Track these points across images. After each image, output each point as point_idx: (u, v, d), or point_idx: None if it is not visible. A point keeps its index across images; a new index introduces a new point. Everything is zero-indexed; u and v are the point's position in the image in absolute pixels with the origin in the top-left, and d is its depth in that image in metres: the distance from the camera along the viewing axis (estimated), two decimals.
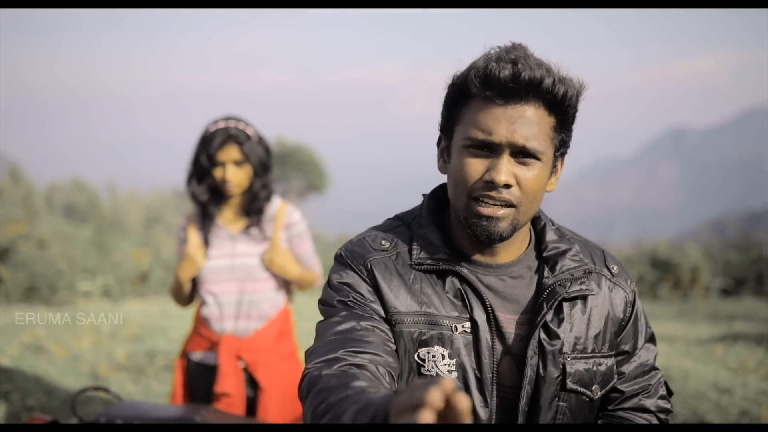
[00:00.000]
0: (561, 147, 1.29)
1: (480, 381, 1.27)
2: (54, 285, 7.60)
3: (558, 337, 1.30)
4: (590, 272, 1.36)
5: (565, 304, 1.32)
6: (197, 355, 2.78)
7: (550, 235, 1.38)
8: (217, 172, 2.69)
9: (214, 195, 2.76)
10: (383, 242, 1.35)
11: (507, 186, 1.22)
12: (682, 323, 7.26)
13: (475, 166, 1.23)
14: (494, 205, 1.23)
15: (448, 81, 1.28)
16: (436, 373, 1.26)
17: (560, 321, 1.31)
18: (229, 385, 2.67)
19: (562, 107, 1.23)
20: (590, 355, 1.33)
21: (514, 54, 1.21)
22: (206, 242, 2.75)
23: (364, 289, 1.30)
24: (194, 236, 2.76)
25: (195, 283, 2.80)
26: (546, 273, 1.33)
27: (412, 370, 1.28)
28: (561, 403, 1.31)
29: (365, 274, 1.31)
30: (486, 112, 1.22)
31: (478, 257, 1.33)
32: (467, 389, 1.27)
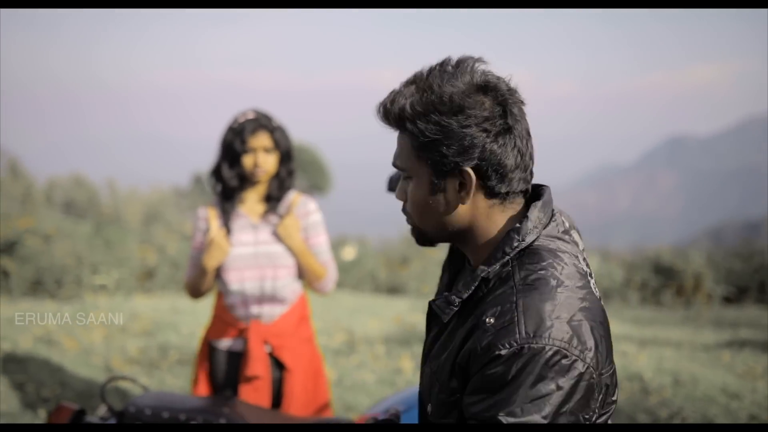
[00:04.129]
0: (438, 165, 1.31)
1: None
2: (60, 279, 7.62)
3: (430, 331, 1.43)
4: (452, 303, 1.32)
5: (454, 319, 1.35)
6: (224, 343, 2.88)
7: (491, 258, 1.31)
8: (248, 159, 2.82)
9: (240, 182, 2.87)
10: None
11: (403, 201, 1.42)
12: (688, 329, 7.30)
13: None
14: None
15: None
16: None
17: (438, 328, 1.39)
18: (259, 369, 2.79)
19: (404, 126, 1.32)
20: (433, 373, 1.36)
21: (398, 86, 1.34)
22: (228, 230, 2.82)
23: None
24: (216, 224, 2.83)
25: (217, 271, 2.86)
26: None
27: None
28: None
29: None
30: None
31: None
32: None
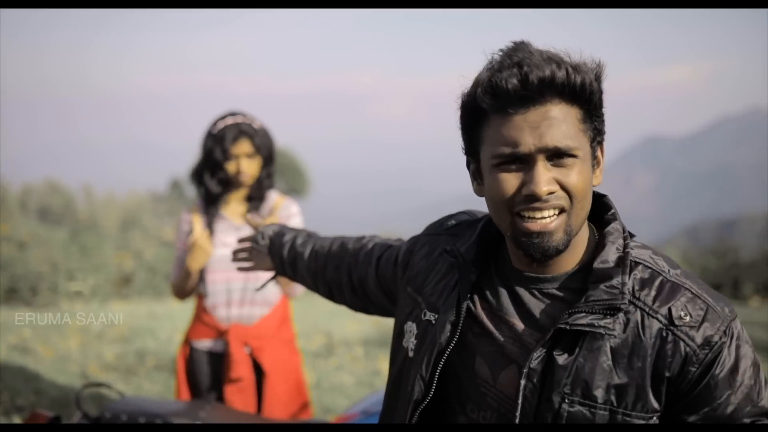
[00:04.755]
0: (596, 136, 1.20)
1: (416, 368, 1.29)
2: (35, 287, 7.55)
3: (552, 371, 1.15)
4: (617, 308, 1.14)
5: (585, 338, 1.15)
6: (204, 344, 2.89)
7: (606, 257, 1.19)
8: (231, 166, 2.83)
9: (223, 187, 2.88)
10: (450, 222, 1.46)
11: (550, 194, 1.14)
12: None
13: (511, 182, 1.16)
14: (542, 218, 1.15)
15: (458, 101, 1.22)
16: (407, 347, 1.35)
17: (569, 354, 1.15)
18: (242, 371, 2.79)
19: (584, 96, 1.15)
20: (600, 405, 1.14)
21: (518, 56, 1.13)
22: (211, 232, 2.84)
23: (402, 251, 1.51)
24: (200, 227, 2.85)
25: (200, 273, 2.88)
26: (581, 300, 1.17)
27: (397, 337, 1.41)
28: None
29: (412, 243, 1.50)
30: (506, 125, 1.15)
31: (519, 268, 1.25)
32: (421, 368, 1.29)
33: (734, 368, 1.14)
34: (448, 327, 1.27)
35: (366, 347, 6.07)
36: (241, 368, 2.79)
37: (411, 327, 1.35)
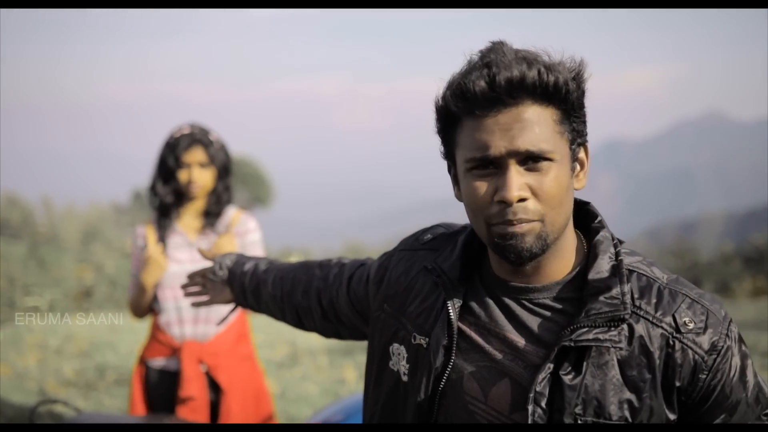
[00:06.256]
0: (577, 137, 1.15)
1: (414, 393, 1.23)
2: None
3: (561, 393, 1.10)
4: (621, 320, 1.10)
5: (590, 353, 1.10)
6: (158, 362, 2.82)
7: (600, 267, 1.14)
8: (183, 174, 2.79)
9: (176, 198, 2.83)
10: (427, 236, 1.37)
11: (522, 200, 1.09)
12: None
13: (483, 189, 1.12)
14: (516, 223, 1.11)
15: (434, 105, 1.18)
16: (398, 370, 1.27)
17: (576, 373, 1.10)
18: (193, 389, 2.72)
19: (559, 96, 1.10)
20: (614, 423, 1.10)
21: (489, 57, 1.10)
22: (164, 246, 2.80)
23: (374, 268, 1.41)
24: (154, 241, 2.80)
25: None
26: (582, 314, 1.12)
27: (381, 358, 1.32)
28: None
29: (385, 259, 1.41)
30: (477, 128, 1.10)
31: (503, 278, 1.20)
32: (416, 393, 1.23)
33: (743, 369, 1.13)
34: (442, 351, 1.20)
35: (330, 356, 6.05)
36: (192, 387, 2.72)
37: (399, 350, 1.27)
